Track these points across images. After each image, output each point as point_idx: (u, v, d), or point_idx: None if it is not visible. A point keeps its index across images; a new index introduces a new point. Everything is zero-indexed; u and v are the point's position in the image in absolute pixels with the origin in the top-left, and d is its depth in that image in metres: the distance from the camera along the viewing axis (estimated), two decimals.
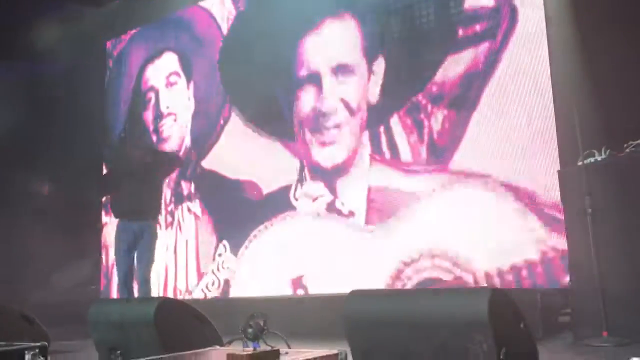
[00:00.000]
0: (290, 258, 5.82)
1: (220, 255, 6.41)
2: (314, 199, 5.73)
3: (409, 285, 4.97)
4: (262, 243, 6.07)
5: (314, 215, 5.71)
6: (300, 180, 5.89)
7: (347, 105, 5.59)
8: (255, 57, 6.18)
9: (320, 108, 5.77)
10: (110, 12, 7.68)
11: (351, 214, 5.46)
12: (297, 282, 5.73)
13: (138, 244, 5.19)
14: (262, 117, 6.32)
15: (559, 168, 4.28)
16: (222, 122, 6.67)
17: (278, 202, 5.99)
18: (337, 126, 5.64)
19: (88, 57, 7.66)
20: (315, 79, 5.85)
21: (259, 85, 6.21)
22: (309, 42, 5.99)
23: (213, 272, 6.45)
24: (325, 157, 5.72)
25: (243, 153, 6.43)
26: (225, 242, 6.40)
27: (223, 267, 6.37)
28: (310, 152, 5.85)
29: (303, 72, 5.99)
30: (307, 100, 5.90)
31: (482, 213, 4.72)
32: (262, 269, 6.04)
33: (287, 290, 5.77)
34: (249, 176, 6.31)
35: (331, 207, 5.62)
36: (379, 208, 5.28)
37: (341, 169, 5.59)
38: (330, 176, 5.68)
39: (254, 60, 6.21)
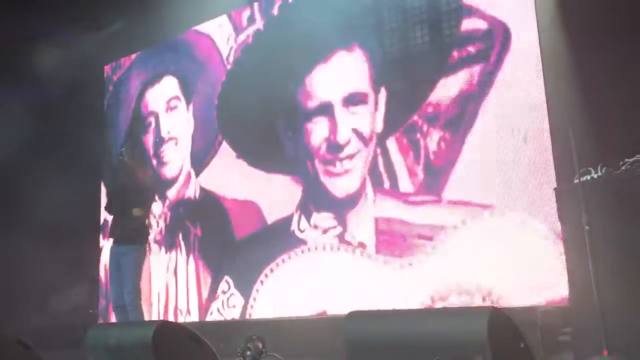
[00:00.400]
0: (306, 296, 5.69)
1: (224, 292, 6.31)
2: (325, 231, 5.66)
3: None
4: (273, 281, 5.97)
5: (326, 248, 5.63)
6: (305, 211, 5.84)
7: (359, 136, 5.56)
8: (257, 92, 6.17)
9: (333, 139, 5.71)
10: (109, 37, 7.74)
11: (361, 245, 5.40)
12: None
13: (121, 268, 5.17)
14: (257, 153, 6.29)
15: (555, 186, 4.30)
16: (218, 144, 6.67)
17: (283, 235, 5.91)
18: (350, 157, 5.59)
19: (87, 81, 7.71)
20: (326, 110, 5.80)
21: (258, 121, 6.20)
22: (318, 73, 5.96)
23: (219, 310, 6.37)
24: (338, 188, 5.67)
25: (238, 181, 6.42)
26: (228, 278, 6.31)
27: (229, 306, 6.26)
28: (319, 183, 5.78)
29: (312, 104, 5.94)
30: (317, 132, 5.84)
31: (486, 239, 4.71)
32: (274, 308, 5.94)
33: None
34: (247, 200, 6.28)
35: (341, 239, 5.55)
36: (388, 240, 5.24)
37: (351, 200, 5.54)
38: (339, 207, 5.62)
39: (254, 95, 6.19)
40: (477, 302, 4.64)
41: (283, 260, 5.90)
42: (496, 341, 2.18)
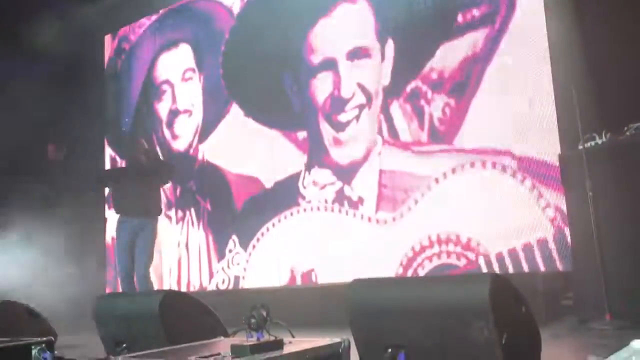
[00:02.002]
0: (300, 251, 5.81)
1: (230, 251, 6.40)
2: (322, 187, 5.70)
3: (421, 274, 4.98)
4: (272, 237, 6.05)
5: (322, 204, 5.69)
6: (309, 168, 5.87)
7: (364, 90, 5.54)
8: (260, 49, 6.12)
9: (338, 94, 5.71)
10: (111, 5, 7.63)
11: (360, 200, 5.44)
12: (308, 276, 5.72)
13: (138, 241, 5.20)
14: (265, 110, 6.27)
15: (559, 152, 4.28)
16: (225, 113, 6.65)
17: (287, 192, 5.96)
18: (357, 113, 5.57)
19: (89, 50, 7.64)
20: (330, 65, 5.78)
21: (263, 77, 6.17)
22: (322, 28, 5.91)
23: (223, 269, 6.45)
24: (342, 153, 5.67)
25: (245, 146, 6.42)
26: (234, 237, 6.38)
27: (233, 264, 6.36)
28: (326, 145, 5.79)
29: (316, 59, 5.91)
30: (322, 87, 5.83)
31: (489, 197, 4.73)
32: (271, 263, 6.03)
33: (297, 283, 5.78)
34: (251, 168, 6.30)
35: (340, 195, 5.60)
36: (390, 194, 5.26)
37: (359, 161, 5.55)
38: (344, 168, 5.64)
39: (258, 52, 6.15)
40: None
41: (284, 217, 5.95)
42: (498, 306, 2.20)
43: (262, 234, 6.12)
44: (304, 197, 5.87)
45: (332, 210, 5.66)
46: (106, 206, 7.71)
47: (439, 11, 5.14)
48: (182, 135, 7.13)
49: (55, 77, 7.12)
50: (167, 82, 7.40)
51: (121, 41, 8.02)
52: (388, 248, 5.20)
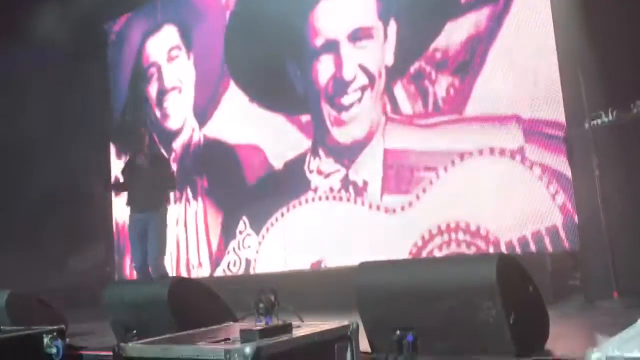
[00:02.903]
0: (309, 239, 5.77)
1: (241, 232, 6.40)
2: (327, 175, 5.69)
3: None
4: (283, 223, 6.01)
5: (329, 193, 5.67)
6: (315, 153, 5.87)
7: (366, 71, 5.50)
8: (262, 33, 6.08)
9: (339, 76, 5.66)
10: None
11: (365, 184, 5.42)
12: (317, 264, 5.72)
13: (148, 233, 5.27)
14: (269, 94, 6.24)
15: (565, 130, 4.26)
16: (222, 91, 6.62)
17: (293, 175, 5.94)
18: (359, 95, 5.53)
19: (87, 40, 7.61)
20: (332, 47, 5.73)
21: (266, 61, 6.13)
22: (323, 10, 5.86)
23: (234, 250, 6.47)
24: (345, 134, 5.64)
25: (247, 126, 6.40)
26: (245, 218, 6.35)
27: (244, 246, 6.35)
28: (328, 126, 5.77)
29: (318, 42, 5.87)
30: (324, 70, 5.79)
31: (495, 182, 4.70)
32: (281, 251, 6.01)
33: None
34: (254, 140, 6.29)
35: (346, 181, 5.57)
36: (396, 177, 5.25)
37: (362, 141, 5.52)
38: (348, 149, 5.61)
39: (260, 36, 6.11)
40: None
41: (293, 206, 5.94)
42: (505, 285, 2.21)
43: (276, 219, 6.11)
44: (309, 185, 5.84)
45: (340, 199, 5.62)
46: (113, 193, 7.72)
47: None
48: (175, 114, 7.13)
49: (56, 68, 7.11)
50: (154, 64, 7.40)
51: (109, 32, 8.03)
52: (396, 236, 5.17)
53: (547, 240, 4.42)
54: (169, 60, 7.24)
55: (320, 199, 5.78)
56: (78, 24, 6.96)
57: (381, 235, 5.27)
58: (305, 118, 5.95)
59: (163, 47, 7.32)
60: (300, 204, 5.91)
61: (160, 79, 7.33)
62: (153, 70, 7.42)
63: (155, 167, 5.35)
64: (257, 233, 6.22)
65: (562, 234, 4.34)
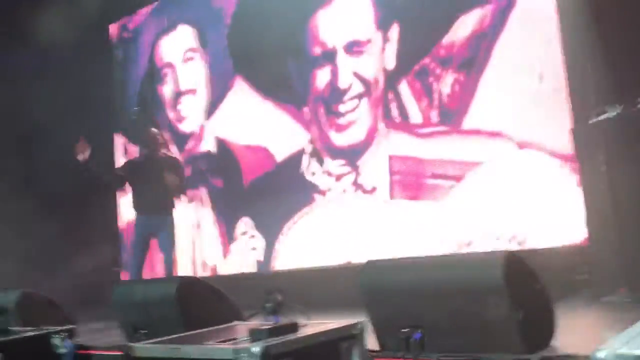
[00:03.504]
0: (316, 240, 5.75)
1: (244, 233, 6.38)
2: (338, 178, 5.68)
3: None
4: (288, 225, 6.00)
5: (334, 193, 5.66)
6: (314, 155, 5.86)
7: (363, 80, 5.51)
8: (263, 39, 6.07)
9: (336, 85, 5.68)
10: None
11: (374, 189, 5.41)
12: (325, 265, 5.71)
13: (158, 236, 5.28)
14: (273, 87, 6.23)
15: (572, 125, 4.25)
16: (229, 90, 6.63)
17: (294, 176, 5.92)
18: (356, 103, 5.55)
19: (93, 39, 7.63)
20: (329, 57, 5.75)
21: (271, 60, 6.14)
22: (321, 18, 5.87)
23: (240, 251, 6.44)
24: (343, 138, 5.65)
25: (251, 121, 6.40)
26: (247, 219, 6.34)
27: (250, 247, 6.29)
28: (326, 133, 5.77)
29: (317, 50, 5.88)
30: (322, 78, 5.80)
31: (501, 177, 4.69)
32: (288, 251, 6.01)
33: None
34: (260, 140, 6.29)
35: (356, 185, 5.55)
36: (403, 182, 5.24)
37: (362, 147, 5.52)
38: (349, 154, 5.62)
39: (260, 42, 6.10)
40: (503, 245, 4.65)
41: (298, 208, 5.93)
42: (513, 283, 2.21)
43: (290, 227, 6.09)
44: (312, 186, 5.82)
45: (344, 201, 5.62)
46: (118, 194, 7.75)
47: None
48: (189, 116, 7.14)
49: (61, 68, 7.12)
50: (169, 65, 7.40)
51: (122, 30, 8.02)
52: (406, 237, 5.16)
53: (555, 235, 4.42)
54: (185, 61, 7.21)
55: (326, 200, 5.77)
56: (88, 21, 6.97)
57: (389, 234, 5.25)
58: (306, 117, 5.94)
59: (178, 48, 7.27)
60: (304, 205, 5.91)
61: (174, 80, 7.31)
62: (167, 71, 7.40)
63: (168, 169, 5.24)
64: (262, 234, 6.22)
65: (570, 228, 4.33)
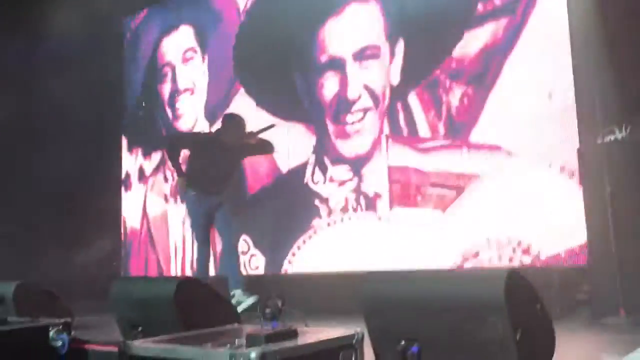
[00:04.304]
0: (318, 249, 5.74)
1: (244, 252, 6.19)
2: (341, 184, 5.68)
3: None
4: (288, 232, 5.96)
5: (338, 203, 5.65)
6: (319, 163, 5.84)
7: (371, 92, 5.51)
8: (273, 44, 6.10)
9: (344, 95, 5.67)
10: None
11: (377, 196, 5.40)
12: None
13: (216, 218, 5.21)
14: (276, 102, 6.22)
15: (578, 145, 4.24)
16: (232, 95, 6.62)
17: (297, 187, 5.90)
18: (362, 115, 5.54)
19: (104, 34, 7.65)
20: (337, 65, 5.75)
21: (276, 71, 6.14)
22: (331, 27, 5.87)
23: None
24: (349, 148, 5.65)
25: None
26: (246, 237, 6.24)
27: (251, 268, 6.19)
28: (333, 143, 5.76)
29: (324, 59, 5.88)
30: (329, 87, 5.80)
31: (504, 196, 4.68)
32: (288, 258, 5.96)
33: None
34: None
35: (357, 192, 5.55)
36: (402, 192, 5.24)
37: (365, 158, 5.52)
38: (353, 163, 5.62)
39: (268, 50, 6.13)
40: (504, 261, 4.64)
41: (300, 215, 5.90)
42: (513, 302, 2.19)
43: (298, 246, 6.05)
44: (316, 195, 5.79)
45: (348, 211, 5.60)
46: (122, 188, 7.76)
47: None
48: (186, 115, 7.12)
49: (71, 62, 7.15)
50: (169, 64, 7.42)
51: (125, 28, 8.05)
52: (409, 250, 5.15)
53: (556, 255, 4.40)
54: (184, 61, 7.24)
55: (327, 209, 5.76)
56: (95, 18, 7.00)
57: (390, 248, 5.23)
58: (310, 128, 5.94)
59: (178, 48, 7.32)
60: (307, 213, 5.88)
61: (173, 79, 7.33)
62: (167, 70, 7.43)
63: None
64: (264, 254, 6.17)
65: (572, 248, 4.32)
